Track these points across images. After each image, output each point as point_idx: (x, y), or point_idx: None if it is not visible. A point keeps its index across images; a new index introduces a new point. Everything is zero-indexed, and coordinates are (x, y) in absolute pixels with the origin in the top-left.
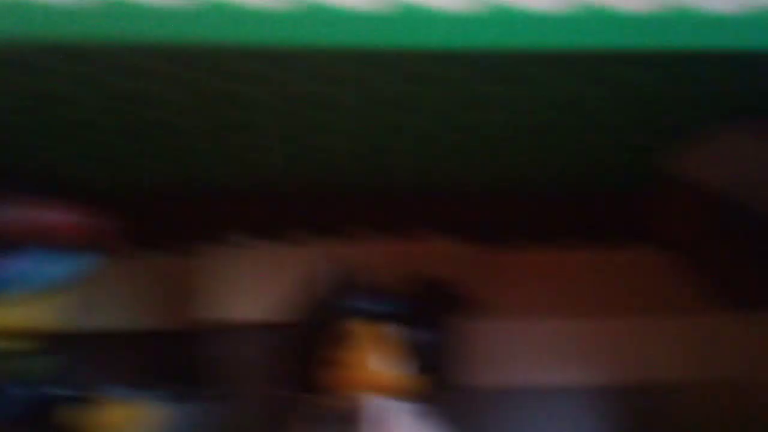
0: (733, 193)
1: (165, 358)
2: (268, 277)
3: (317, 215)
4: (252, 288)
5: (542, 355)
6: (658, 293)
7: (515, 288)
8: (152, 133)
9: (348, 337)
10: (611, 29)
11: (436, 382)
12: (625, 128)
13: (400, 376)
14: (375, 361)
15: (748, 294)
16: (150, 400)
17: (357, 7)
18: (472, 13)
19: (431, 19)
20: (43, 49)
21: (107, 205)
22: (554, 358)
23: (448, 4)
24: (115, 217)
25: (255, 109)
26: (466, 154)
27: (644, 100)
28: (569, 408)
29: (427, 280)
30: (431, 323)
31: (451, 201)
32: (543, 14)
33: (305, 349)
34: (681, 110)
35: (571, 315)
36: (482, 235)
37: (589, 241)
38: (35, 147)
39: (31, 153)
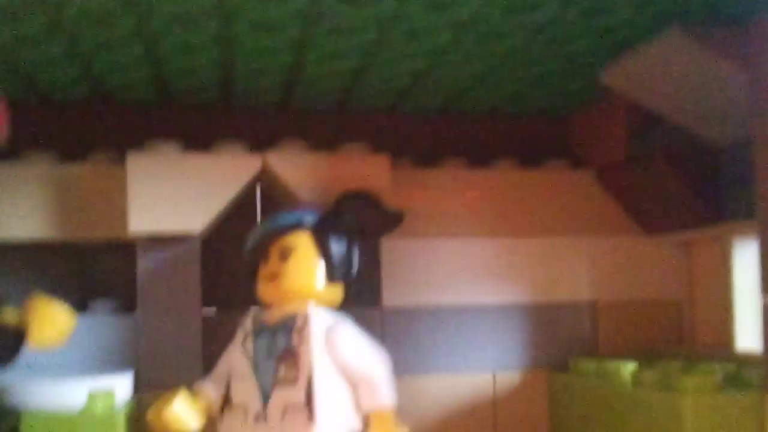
0: (666, 111)
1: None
2: (196, 188)
3: (249, 128)
4: (179, 199)
5: (466, 274)
6: (578, 214)
7: (440, 204)
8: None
9: (280, 252)
10: None
11: (355, 295)
12: (567, 46)
13: (326, 286)
14: (303, 271)
15: (661, 217)
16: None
17: None
18: None
19: None
20: None
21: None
22: (475, 275)
23: None
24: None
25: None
26: (418, 75)
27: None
28: (485, 325)
29: (354, 193)
30: (355, 236)
31: (386, 118)
32: None
33: (242, 264)
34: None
35: (490, 234)
36: (418, 152)
37: (519, 162)
38: None
39: None
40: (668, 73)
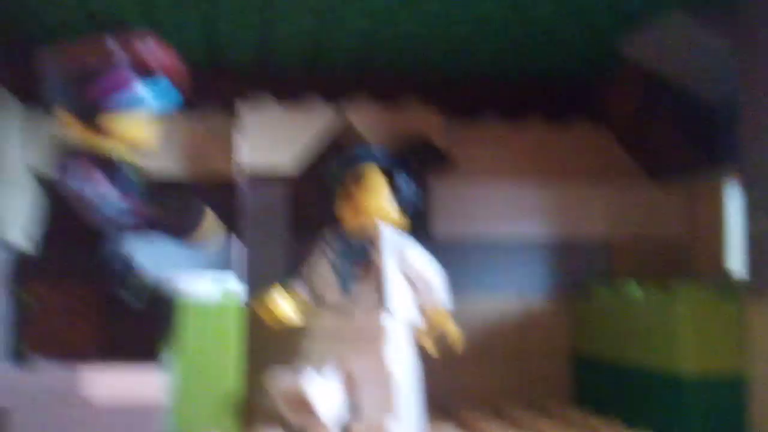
0: (673, 76)
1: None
2: (289, 135)
3: (329, 85)
4: (279, 145)
5: (502, 212)
6: (596, 164)
7: (480, 155)
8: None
9: (356, 180)
10: None
11: (416, 224)
12: (590, 19)
13: (394, 212)
14: (375, 196)
15: (666, 165)
16: None
17: None
18: None
19: None
20: None
21: None
22: (508, 215)
23: None
24: None
25: None
26: (459, 41)
27: None
28: (518, 257)
29: (414, 139)
30: (415, 174)
31: (437, 78)
32: None
33: (326, 192)
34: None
35: (523, 179)
36: (461, 109)
37: (546, 119)
38: None
39: None
40: (674, 46)
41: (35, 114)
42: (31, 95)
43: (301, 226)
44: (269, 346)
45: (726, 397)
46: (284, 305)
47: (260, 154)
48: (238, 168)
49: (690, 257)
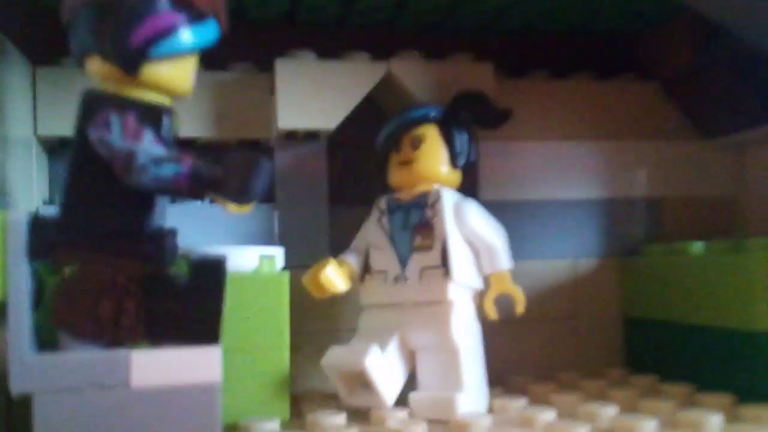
0: (734, 27)
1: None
2: (331, 91)
3: (373, 40)
4: (318, 100)
5: (551, 173)
6: (646, 121)
7: (528, 113)
8: None
9: (414, 144)
10: None
11: (468, 180)
12: None
13: (449, 171)
14: (433, 158)
15: (719, 121)
16: None
17: None
18: None
19: None
20: None
21: None
22: (560, 176)
23: None
24: None
25: None
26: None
27: None
28: (572, 219)
29: (468, 92)
30: (469, 129)
31: (485, 34)
32: None
33: (381, 153)
34: None
35: (570, 137)
36: (510, 64)
37: (594, 76)
38: None
39: None
40: None
41: (46, 72)
42: (42, 52)
43: (339, 189)
44: (310, 319)
45: None
46: (335, 277)
47: (296, 111)
48: (273, 128)
49: (741, 217)
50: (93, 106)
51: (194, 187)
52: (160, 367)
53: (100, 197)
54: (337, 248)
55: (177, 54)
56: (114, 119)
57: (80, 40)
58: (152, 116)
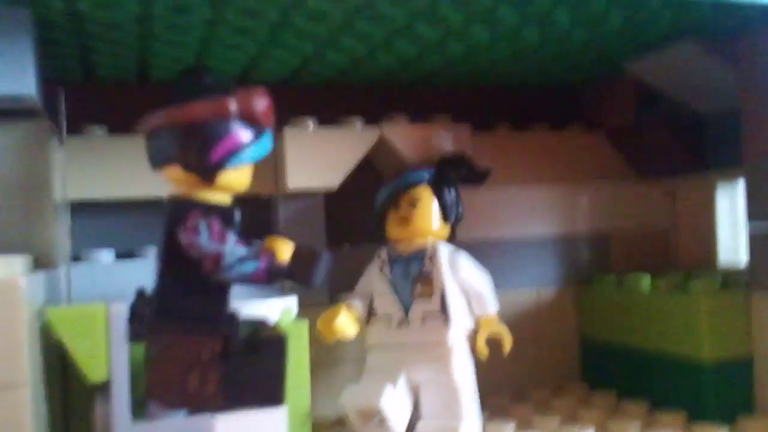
0: (669, 91)
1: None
2: (328, 154)
3: (366, 106)
4: (321, 162)
5: (515, 214)
6: (593, 166)
7: (498, 162)
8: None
9: (412, 203)
10: None
11: (453, 232)
12: (591, 42)
13: (441, 226)
14: (428, 216)
15: (656, 167)
16: None
17: None
18: None
19: None
20: None
21: None
22: (522, 217)
23: None
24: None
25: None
26: (471, 62)
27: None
28: (534, 254)
29: (450, 155)
30: (456, 188)
31: (456, 94)
32: None
33: (378, 210)
34: (645, 27)
35: (531, 182)
36: (477, 118)
37: (549, 126)
38: None
39: None
40: (679, 68)
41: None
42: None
43: (337, 241)
44: (321, 360)
45: (738, 379)
46: (347, 323)
47: (303, 172)
48: (278, 185)
49: (674, 248)
50: (181, 211)
51: (271, 279)
52: (238, 427)
53: (188, 288)
54: (334, 284)
55: (245, 164)
56: (202, 225)
57: (163, 152)
58: (230, 218)
